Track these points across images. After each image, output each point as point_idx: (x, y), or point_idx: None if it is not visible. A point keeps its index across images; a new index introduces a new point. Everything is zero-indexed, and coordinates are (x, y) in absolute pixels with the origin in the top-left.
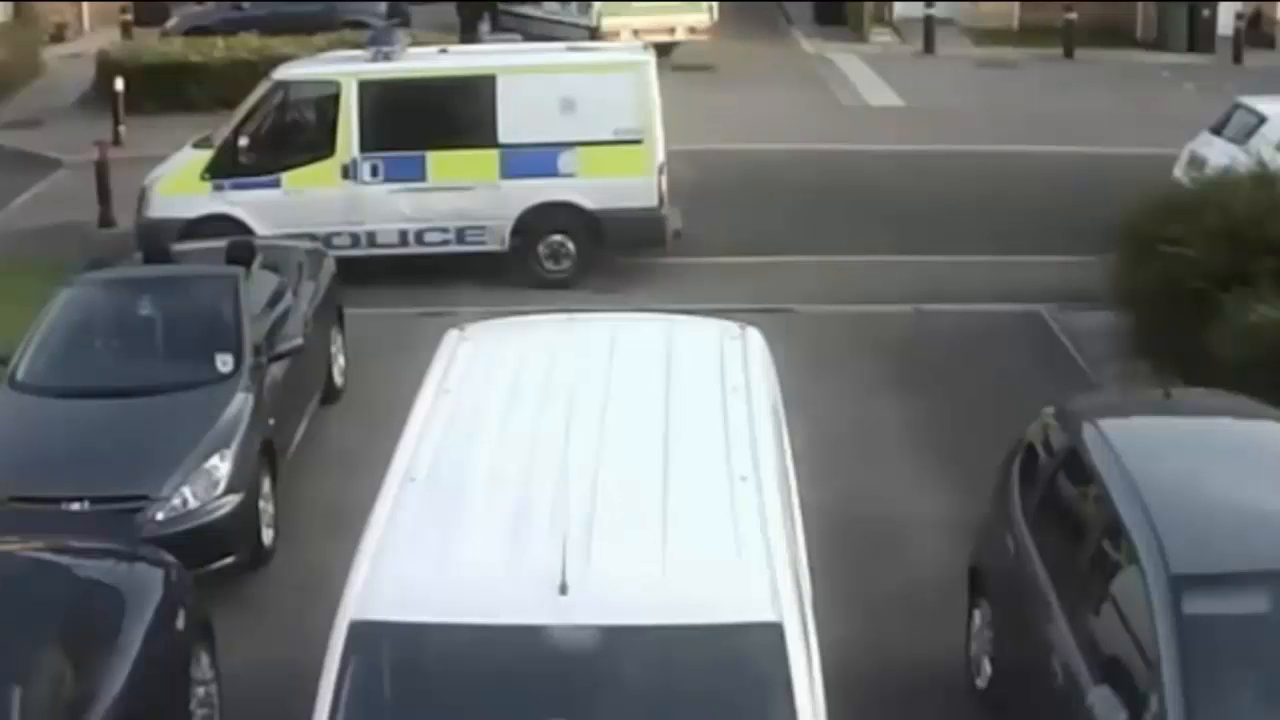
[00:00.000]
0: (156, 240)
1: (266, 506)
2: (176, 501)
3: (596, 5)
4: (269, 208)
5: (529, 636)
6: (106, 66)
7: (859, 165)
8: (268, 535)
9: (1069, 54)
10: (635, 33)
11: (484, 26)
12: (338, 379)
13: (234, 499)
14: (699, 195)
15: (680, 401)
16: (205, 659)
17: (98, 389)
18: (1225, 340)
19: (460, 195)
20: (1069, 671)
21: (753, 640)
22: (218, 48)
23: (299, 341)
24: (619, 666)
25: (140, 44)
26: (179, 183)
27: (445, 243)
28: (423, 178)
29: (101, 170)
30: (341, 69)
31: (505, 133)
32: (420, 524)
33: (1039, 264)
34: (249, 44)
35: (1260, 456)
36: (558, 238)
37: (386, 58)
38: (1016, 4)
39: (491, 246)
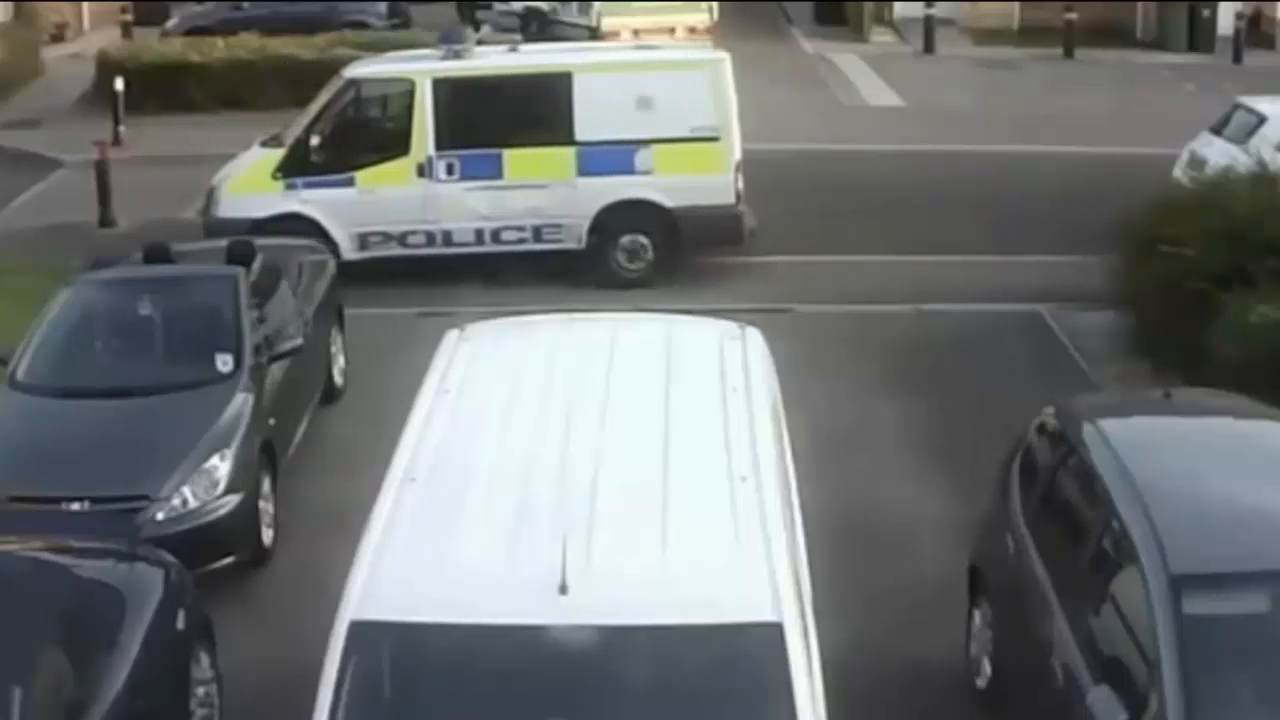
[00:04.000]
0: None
1: (266, 506)
2: (176, 501)
3: (596, 5)
4: (342, 206)
5: (529, 636)
6: (106, 66)
7: (859, 165)
8: (268, 535)
9: (1069, 54)
10: (635, 33)
11: (485, 28)
12: (338, 379)
13: (234, 499)
14: None
15: (680, 401)
16: (205, 659)
17: (98, 389)
18: (1225, 340)
19: (537, 193)
20: (1069, 671)
21: (753, 640)
22: (218, 48)
23: (299, 341)
24: (619, 667)
25: (140, 44)
26: (249, 181)
27: (522, 241)
28: (499, 176)
29: (101, 170)
30: (415, 67)
31: (582, 130)
32: (420, 524)
33: (1039, 264)
34: (249, 44)
35: (1260, 456)
36: (635, 236)
37: (458, 55)
38: (1016, 4)
39: (569, 245)
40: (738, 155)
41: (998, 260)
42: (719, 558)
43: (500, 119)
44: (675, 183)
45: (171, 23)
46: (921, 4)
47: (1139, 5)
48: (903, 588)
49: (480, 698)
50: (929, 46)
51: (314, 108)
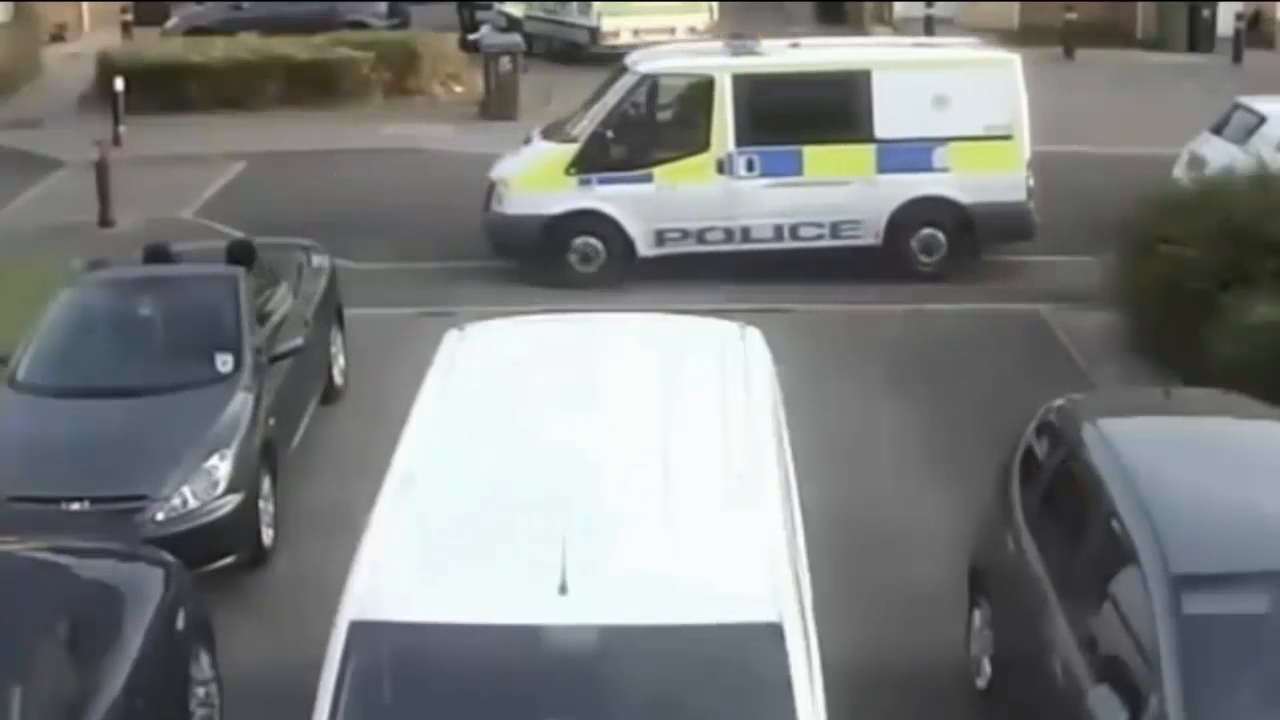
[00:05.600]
0: (512, 237)
1: (266, 506)
2: (176, 501)
3: (596, 5)
4: (640, 203)
5: (528, 636)
6: (106, 66)
7: None
8: (267, 535)
9: (1069, 54)
10: (635, 33)
11: (485, 28)
12: (338, 379)
13: (234, 499)
14: None
15: (680, 401)
16: (205, 659)
17: (98, 389)
18: (1225, 340)
19: (836, 190)
20: (1069, 671)
21: (752, 640)
22: (217, 48)
23: (299, 341)
24: (618, 667)
25: (140, 44)
26: (540, 178)
27: (820, 237)
28: (799, 173)
29: (101, 170)
30: (712, 62)
31: (881, 128)
32: (420, 524)
33: (1039, 264)
34: (249, 44)
35: (1260, 456)
36: (930, 231)
37: (750, 52)
38: (1016, 4)
39: (866, 241)
40: (1028, 153)
41: (998, 260)
42: (719, 557)
43: (799, 116)
44: (970, 180)
45: (171, 23)
46: (921, 4)
47: (1139, 5)
48: (903, 587)
49: (480, 698)
50: None
51: (607, 102)
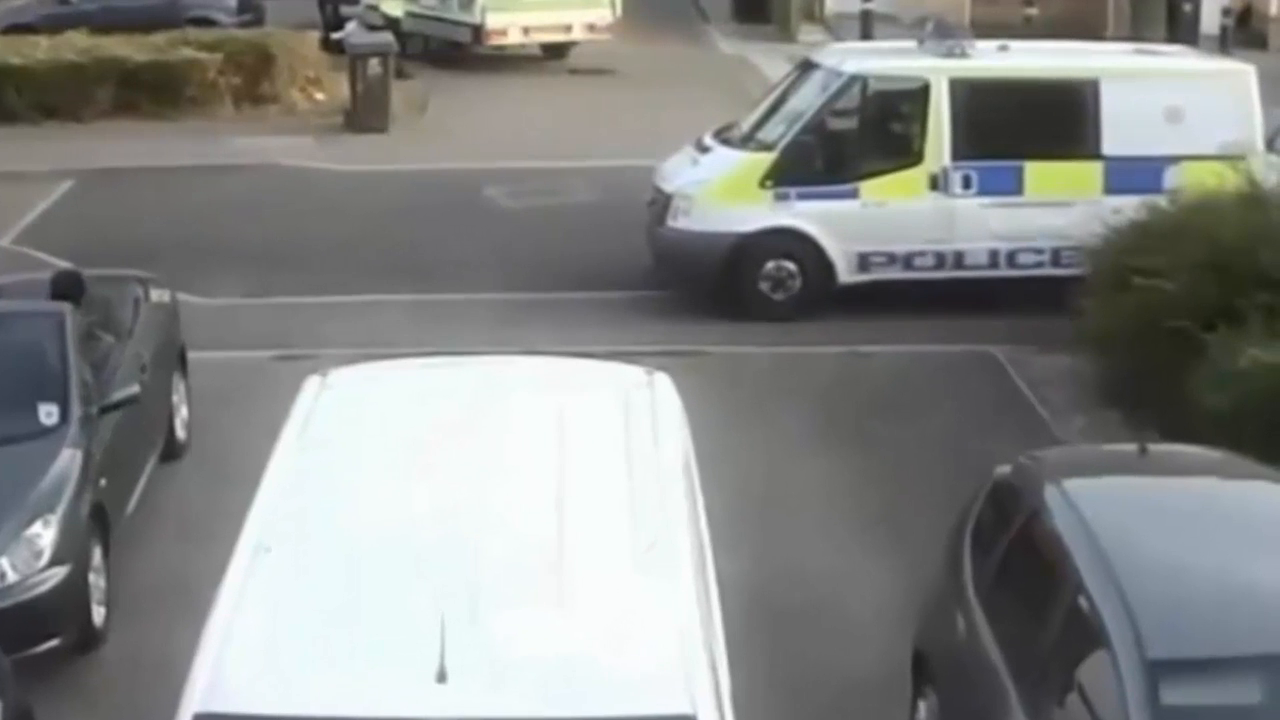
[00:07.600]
0: (693, 258)
1: (97, 580)
2: None
3: (481, 0)
4: (843, 222)
5: None
6: None
7: None
8: (99, 614)
9: None
10: (525, 31)
11: (350, 25)
12: (180, 433)
13: (59, 572)
14: (612, 218)
15: (578, 458)
16: None
17: None
18: (1210, 387)
19: (1058, 212)
20: None
21: None
22: (40, 48)
23: (135, 389)
24: None
25: None
26: (730, 190)
27: (1039, 265)
28: (1019, 191)
29: None
30: (926, 64)
31: (1110, 144)
32: (275, 601)
33: (992, 295)
34: (76, 44)
35: (1249, 523)
36: None
37: (962, 53)
38: None
39: (1083, 269)
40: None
41: (949, 290)
42: (622, 640)
43: (1020, 128)
44: None
45: None
46: None
47: None
48: (836, 675)
49: None
50: None
51: (806, 105)
